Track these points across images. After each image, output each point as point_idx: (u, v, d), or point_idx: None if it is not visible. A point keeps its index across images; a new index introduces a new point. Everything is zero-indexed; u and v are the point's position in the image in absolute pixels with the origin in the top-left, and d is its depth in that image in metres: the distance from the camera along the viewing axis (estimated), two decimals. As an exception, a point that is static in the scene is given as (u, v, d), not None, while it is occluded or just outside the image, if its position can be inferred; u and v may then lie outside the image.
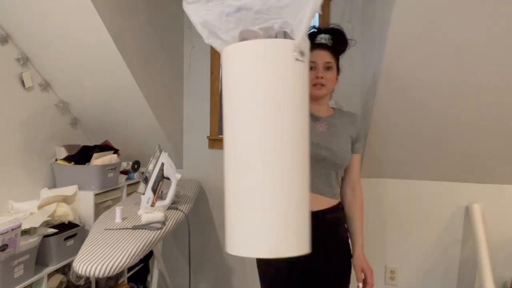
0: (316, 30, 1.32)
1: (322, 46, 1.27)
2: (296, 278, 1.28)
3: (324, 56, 1.25)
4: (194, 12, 0.90)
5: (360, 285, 1.27)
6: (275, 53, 0.81)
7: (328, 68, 1.25)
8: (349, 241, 1.33)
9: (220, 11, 0.87)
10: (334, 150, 1.24)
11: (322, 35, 1.30)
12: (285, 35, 0.86)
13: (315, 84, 1.24)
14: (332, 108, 1.36)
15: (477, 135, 1.69)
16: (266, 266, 1.31)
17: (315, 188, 1.24)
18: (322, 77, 1.24)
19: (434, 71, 1.46)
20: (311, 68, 1.25)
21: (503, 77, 1.42)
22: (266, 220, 0.78)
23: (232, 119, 0.82)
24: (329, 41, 1.29)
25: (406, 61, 1.45)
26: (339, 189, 1.32)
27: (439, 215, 2.05)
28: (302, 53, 0.82)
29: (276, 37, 0.88)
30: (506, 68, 1.39)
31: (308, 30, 0.83)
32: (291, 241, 0.79)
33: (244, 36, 0.87)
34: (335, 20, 2.12)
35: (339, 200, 1.33)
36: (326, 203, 1.26)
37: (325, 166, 1.25)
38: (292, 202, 0.80)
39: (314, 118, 1.29)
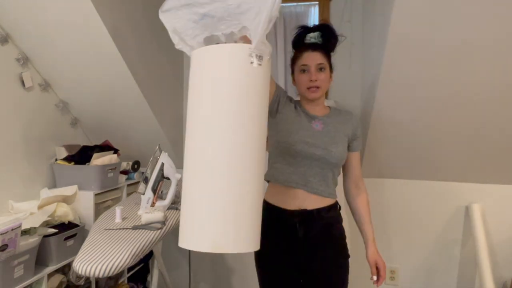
0: (303, 30, 1.30)
1: (312, 47, 1.25)
2: (294, 275, 1.28)
3: (316, 58, 1.23)
4: (167, 19, 0.97)
5: (374, 277, 1.28)
6: (229, 57, 0.86)
7: (320, 69, 1.24)
8: (345, 239, 1.33)
9: (188, 18, 0.93)
10: (329, 149, 1.23)
11: (311, 34, 1.28)
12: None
13: (310, 87, 1.24)
14: (328, 107, 1.36)
15: (477, 135, 1.69)
16: (264, 264, 1.31)
17: (310, 187, 1.24)
18: (316, 80, 1.23)
19: (434, 71, 1.46)
20: (303, 71, 1.25)
21: (503, 77, 1.42)
22: (209, 215, 0.81)
23: (190, 118, 0.88)
24: (319, 39, 1.27)
25: (406, 61, 1.45)
26: (335, 189, 1.32)
27: (439, 215, 2.05)
28: (259, 57, 0.87)
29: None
30: (507, 68, 1.39)
31: (264, 34, 0.85)
32: (234, 236, 0.81)
33: (209, 43, 0.93)
34: (335, 20, 2.13)
35: (336, 199, 1.33)
36: (322, 202, 1.26)
37: (320, 165, 1.25)
38: (234, 198, 0.82)
39: (309, 117, 1.29)
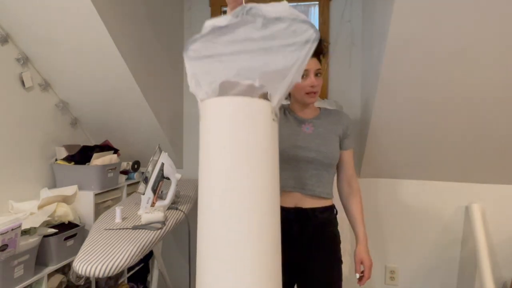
0: None
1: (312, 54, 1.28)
2: (289, 273, 1.28)
3: (315, 63, 1.26)
4: (190, 64, 0.94)
5: (357, 275, 1.31)
6: (258, 111, 0.85)
7: (317, 74, 1.27)
8: (339, 244, 1.35)
9: (210, 67, 0.91)
10: (321, 150, 1.26)
11: None
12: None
13: (309, 92, 1.26)
14: (318, 108, 1.39)
15: (477, 135, 1.69)
16: None
17: (307, 189, 1.27)
18: (316, 85, 1.26)
19: (434, 71, 1.46)
20: (302, 76, 1.25)
21: (503, 77, 1.42)
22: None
23: (207, 171, 0.84)
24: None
25: (405, 62, 1.45)
26: (331, 189, 1.34)
27: (439, 215, 2.05)
28: (276, 115, 0.90)
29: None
30: (506, 68, 1.39)
31: (284, 94, 0.88)
32: None
33: (223, 86, 0.91)
34: (335, 20, 2.13)
35: (332, 201, 1.35)
36: (318, 202, 1.29)
37: (315, 167, 1.27)
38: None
39: (299, 121, 1.32)
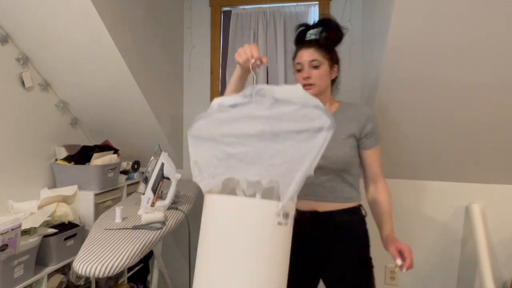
0: (304, 27, 1.29)
1: (307, 44, 1.23)
2: (308, 275, 1.26)
3: (309, 55, 1.20)
4: (192, 147, 0.90)
5: (399, 261, 1.08)
6: (257, 215, 0.78)
7: (315, 66, 1.20)
8: (367, 248, 1.25)
9: (212, 153, 0.86)
10: (327, 156, 1.12)
11: (311, 31, 1.27)
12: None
13: (304, 85, 1.20)
14: (338, 103, 1.28)
15: (477, 135, 1.69)
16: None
17: (320, 196, 1.21)
18: (308, 77, 1.20)
19: (434, 71, 1.46)
20: (299, 70, 1.24)
21: (503, 77, 1.42)
22: None
23: (204, 269, 0.81)
24: (320, 35, 1.25)
25: (406, 61, 1.45)
26: (352, 191, 1.23)
27: (439, 215, 2.05)
28: (286, 215, 0.80)
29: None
30: (507, 68, 1.39)
31: (296, 193, 0.79)
32: None
33: (227, 183, 0.87)
34: (335, 20, 2.13)
35: (355, 203, 1.24)
36: (336, 205, 1.21)
37: (324, 173, 1.20)
38: None
39: None
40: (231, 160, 0.83)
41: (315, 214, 1.22)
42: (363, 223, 1.26)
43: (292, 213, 0.82)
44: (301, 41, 1.29)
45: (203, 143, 0.88)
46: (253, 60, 1.02)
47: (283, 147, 0.79)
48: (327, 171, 1.19)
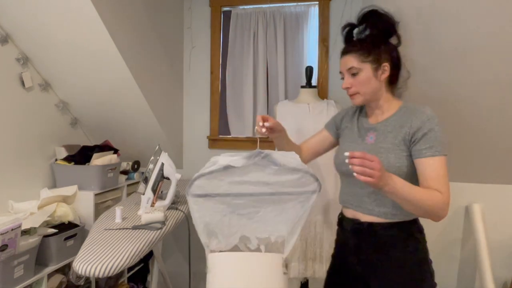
0: (349, 27, 1.18)
1: (345, 50, 1.14)
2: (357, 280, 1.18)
3: (346, 63, 1.12)
4: (197, 206, 0.96)
5: (346, 153, 0.91)
6: (267, 268, 0.93)
7: (353, 74, 1.11)
8: (423, 270, 1.09)
9: (223, 214, 0.96)
10: None
11: (355, 30, 1.17)
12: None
13: (350, 95, 1.15)
14: (399, 105, 1.14)
15: (477, 135, 1.69)
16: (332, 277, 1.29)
17: (365, 208, 1.12)
18: (349, 87, 1.13)
19: (434, 71, 1.46)
20: (342, 78, 1.16)
21: (504, 76, 1.42)
22: None
23: None
24: (364, 32, 1.15)
25: (405, 61, 1.45)
26: (401, 208, 1.05)
27: (439, 215, 2.05)
28: (286, 266, 0.96)
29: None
30: (507, 68, 1.39)
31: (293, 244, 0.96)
32: None
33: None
34: (335, 20, 2.13)
35: (404, 219, 1.10)
36: (377, 218, 1.10)
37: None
38: None
39: (364, 129, 1.17)
40: (242, 219, 0.96)
41: (356, 222, 1.14)
42: (416, 238, 1.11)
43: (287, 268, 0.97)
44: (345, 44, 1.19)
45: (208, 203, 0.95)
46: (257, 128, 1.10)
47: (284, 208, 0.94)
48: None
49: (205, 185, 0.93)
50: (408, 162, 1.06)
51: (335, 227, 1.29)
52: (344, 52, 1.15)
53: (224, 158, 0.92)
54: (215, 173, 0.91)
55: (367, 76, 1.10)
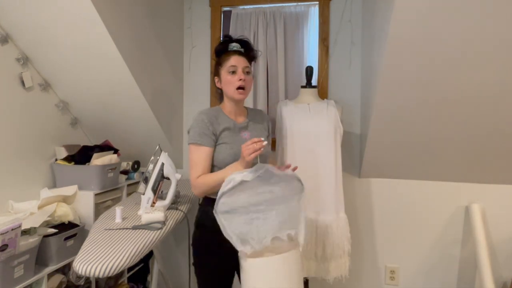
0: (228, 39, 1.43)
1: (239, 52, 1.38)
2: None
3: (243, 61, 1.36)
4: (227, 222, 1.12)
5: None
6: (297, 263, 1.18)
7: (247, 72, 1.36)
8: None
9: (250, 222, 1.13)
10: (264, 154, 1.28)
11: (234, 44, 1.40)
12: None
13: (239, 87, 1.33)
14: (244, 107, 1.47)
15: (477, 135, 1.69)
16: None
17: None
18: (244, 79, 1.33)
19: (434, 71, 1.46)
20: (232, 73, 1.34)
21: (503, 77, 1.42)
22: None
23: None
24: (241, 49, 1.40)
25: (405, 62, 1.45)
26: None
27: (439, 215, 2.05)
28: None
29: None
30: (506, 68, 1.39)
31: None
32: None
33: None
34: (335, 20, 2.13)
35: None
36: None
37: None
38: None
39: (238, 129, 1.38)
40: (266, 224, 1.13)
41: None
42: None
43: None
44: (226, 50, 1.43)
45: (235, 216, 1.13)
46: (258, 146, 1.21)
47: (289, 207, 1.18)
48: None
49: (228, 202, 1.11)
50: None
51: (334, 227, 1.36)
52: (239, 54, 1.38)
53: (237, 175, 1.12)
54: (233, 189, 1.11)
55: (251, 79, 1.40)
